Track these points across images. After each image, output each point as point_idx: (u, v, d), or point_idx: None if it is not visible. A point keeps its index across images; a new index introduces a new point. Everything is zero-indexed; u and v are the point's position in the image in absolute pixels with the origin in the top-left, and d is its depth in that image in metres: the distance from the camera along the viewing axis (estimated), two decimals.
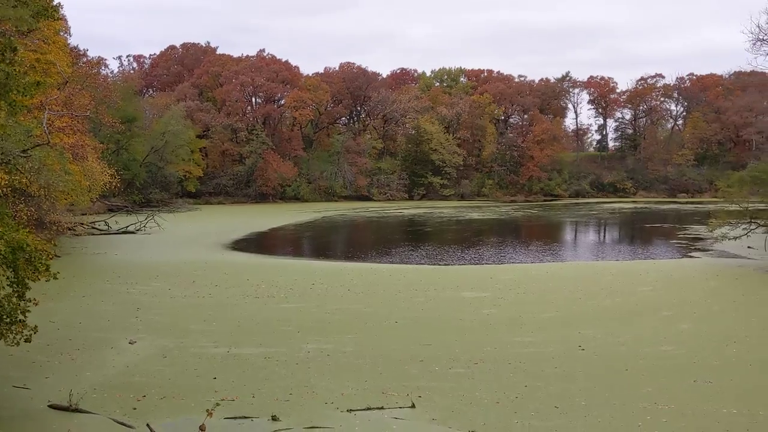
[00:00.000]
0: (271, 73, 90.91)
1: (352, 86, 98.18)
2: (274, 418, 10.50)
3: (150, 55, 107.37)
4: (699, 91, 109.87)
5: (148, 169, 71.56)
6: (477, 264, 32.35)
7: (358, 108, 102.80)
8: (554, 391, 12.50)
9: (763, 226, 33.18)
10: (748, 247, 34.73)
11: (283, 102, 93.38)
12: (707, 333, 17.33)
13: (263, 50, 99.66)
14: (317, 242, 46.55)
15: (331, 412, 11.04)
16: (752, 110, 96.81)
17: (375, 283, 24.99)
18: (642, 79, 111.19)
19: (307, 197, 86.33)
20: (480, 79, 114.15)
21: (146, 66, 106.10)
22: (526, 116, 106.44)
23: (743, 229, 32.40)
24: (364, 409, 11.19)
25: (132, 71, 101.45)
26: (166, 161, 74.22)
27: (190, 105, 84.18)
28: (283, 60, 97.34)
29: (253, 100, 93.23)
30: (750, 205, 33.78)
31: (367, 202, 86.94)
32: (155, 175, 73.00)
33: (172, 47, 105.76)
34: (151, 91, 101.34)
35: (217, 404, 7.94)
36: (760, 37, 31.87)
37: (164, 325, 17.48)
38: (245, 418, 10.50)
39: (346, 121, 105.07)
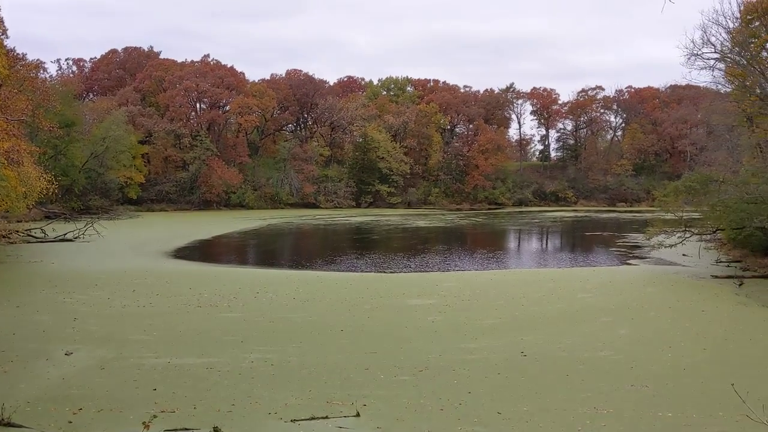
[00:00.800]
0: (216, 78, 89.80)
1: (298, 93, 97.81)
2: (216, 430, 10.29)
3: (90, 58, 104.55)
4: (637, 103, 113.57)
5: (87, 175, 69.55)
6: (423, 271, 32.57)
7: (305, 115, 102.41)
8: (497, 397, 12.67)
9: (697, 234, 34.52)
10: (683, 254, 36.02)
11: (228, 108, 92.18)
12: (644, 338, 17.85)
13: (208, 55, 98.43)
14: (262, 250, 46.07)
15: (275, 423, 10.92)
16: (687, 122, 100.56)
17: (321, 292, 24.89)
18: (583, 90, 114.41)
19: (252, 204, 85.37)
20: (426, 89, 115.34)
21: (86, 70, 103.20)
22: (471, 126, 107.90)
23: (678, 237, 33.63)
24: (308, 419, 11.09)
25: (72, 75, 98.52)
26: (106, 167, 72.32)
27: (132, 110, 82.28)
28: (228, 66, 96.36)
29: (198, 105, 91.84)
30: (684, 214, 35.15)
31: (313, 210, 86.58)
32: (95, 181, 71.03)
33: (114, 51, 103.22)
34: (91, 96, 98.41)
35: (155, 416, 7.73)
36: (695, 51, 33.17)
37: (102, 336, 17.00)
38: (186, 430, 10.26)
39: (293, 128, 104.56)
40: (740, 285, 27.05)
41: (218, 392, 12.57)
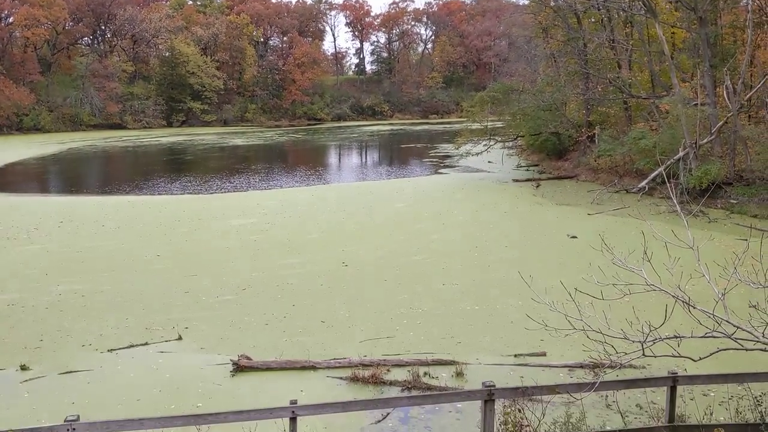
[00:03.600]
0: None
1: (93, 3, 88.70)
2: (24, 368, 9.69)
3: None
4: (445, 15, 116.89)
5: None
6: (243, 191, 32.01)
7: (103, 27, 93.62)
8: (320, 307, 13.04)
9: (500, 141, 37.04)
10: (489, 161, 38.55)
11: (11, 20, 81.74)
12: (454, 241, 19.14)
13: None
14: (65, 177, 42.48)
15: (89, 354, 10.43)
16: (491, 35, 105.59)
17: (132, 218, 23.65)
18: (394, 2, 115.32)
19: (49, 127, 77.74)
20: None
21: None
22: (285, 38, 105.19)
23: (484, 145, 35.93)
24: (126, 347, 10.73)
25: None
26: None
27: None
28: None
29: None
30: (489, 123, 37.45)
31: (120, 131, 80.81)
32: None
33: None
34: None
35: None
36: None
37: None
38: None
39: (90, 42, 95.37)
40: (537, 186, 29.67)
41: (23, 329, 11.72)
